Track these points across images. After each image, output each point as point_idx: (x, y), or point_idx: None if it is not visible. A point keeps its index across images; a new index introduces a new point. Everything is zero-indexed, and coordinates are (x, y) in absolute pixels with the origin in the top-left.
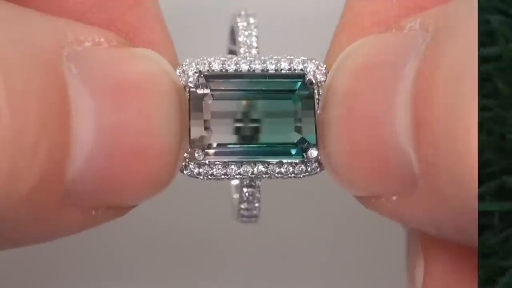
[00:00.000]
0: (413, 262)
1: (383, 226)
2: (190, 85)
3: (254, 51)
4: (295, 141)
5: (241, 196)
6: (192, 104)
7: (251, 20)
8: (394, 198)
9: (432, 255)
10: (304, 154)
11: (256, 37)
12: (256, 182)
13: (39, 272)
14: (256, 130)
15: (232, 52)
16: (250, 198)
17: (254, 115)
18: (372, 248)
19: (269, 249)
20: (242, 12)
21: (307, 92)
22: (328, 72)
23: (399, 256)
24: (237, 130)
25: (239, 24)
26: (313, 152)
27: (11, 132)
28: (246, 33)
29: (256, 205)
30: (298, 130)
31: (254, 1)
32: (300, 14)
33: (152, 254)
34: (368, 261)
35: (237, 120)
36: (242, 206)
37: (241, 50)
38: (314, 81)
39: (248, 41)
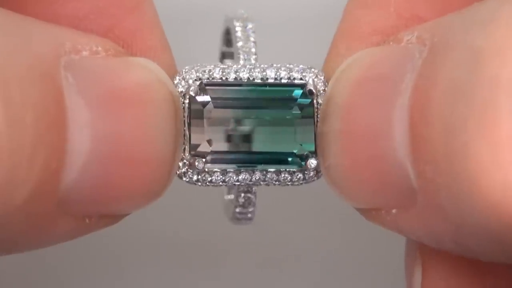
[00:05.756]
0: (410, 268)
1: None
2: (191, 93)
3: (253, 58)
4: (295, 151)
5: (237, 201)
6: (193, 112)
7: (249, 25)
8: (394, 211)
9: (430, 261)
10: (302, 163)
11: (254, 42)
12: (253, 188)
13: (34, 274)
14: (255, 138)
15: (225, 54)
16: (246, 203)
17: (253, 124)
18: (372, 248)
19: (268, 250)
20: (239, 17)
21: (307, 102)
22: (326, 81)
23: (401, 257)
24: (236, 138)
25: (236, 29)
26: (312, 162)
27: (8, 143)
28: (245, 38)
29: (251, 209)
30: (297, 139)
31: (250, 2)
32: (299, 14)
33: (149, 256)
34: (368, 262)
35: (236, 128)
36: (238, 210)
37: (240, 57)
38: (314, 91)
39: (246, 47)
